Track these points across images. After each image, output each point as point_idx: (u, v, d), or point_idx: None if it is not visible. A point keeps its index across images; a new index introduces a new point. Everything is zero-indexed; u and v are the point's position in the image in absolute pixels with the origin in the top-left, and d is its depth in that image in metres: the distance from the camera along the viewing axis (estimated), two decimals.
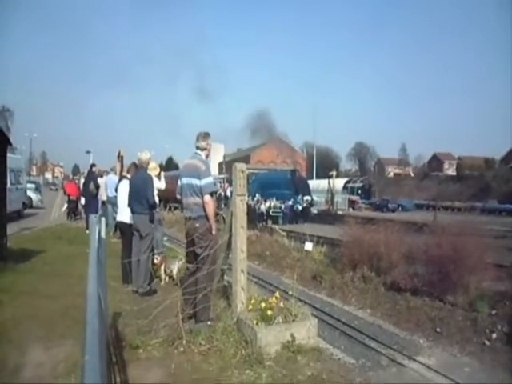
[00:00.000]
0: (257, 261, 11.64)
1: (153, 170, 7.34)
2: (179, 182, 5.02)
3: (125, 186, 6.78)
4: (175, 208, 22.10)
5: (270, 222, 22.33)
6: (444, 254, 7.10)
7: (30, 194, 22.75)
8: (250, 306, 4.60)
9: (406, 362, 5.28)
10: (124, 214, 6.84)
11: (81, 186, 15.61)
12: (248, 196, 21.36)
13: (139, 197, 6.33)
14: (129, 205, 6.49)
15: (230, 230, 4.93)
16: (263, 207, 24.55)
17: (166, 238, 10.03)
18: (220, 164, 63.47)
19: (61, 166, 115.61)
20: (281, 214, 24.42)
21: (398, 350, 5.64)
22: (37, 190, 27.76)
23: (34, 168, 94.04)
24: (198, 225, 4.75)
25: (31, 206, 22.36)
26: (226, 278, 5.74)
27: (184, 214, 5.08)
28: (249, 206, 16.19)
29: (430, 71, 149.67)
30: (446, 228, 7.80)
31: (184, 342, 4.19)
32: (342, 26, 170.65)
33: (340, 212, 33.28)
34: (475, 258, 6.92)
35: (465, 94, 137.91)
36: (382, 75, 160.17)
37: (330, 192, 39.18)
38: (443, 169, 78.56)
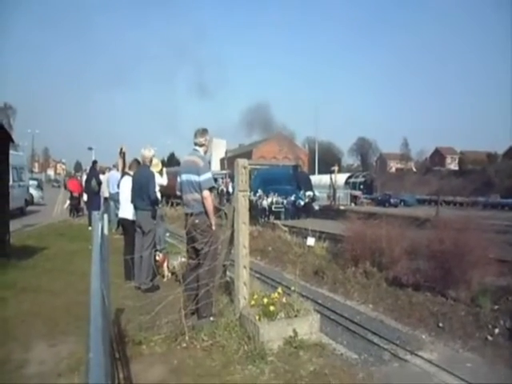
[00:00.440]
0: (259, 256, 11.66)
1: (155, 166, 7.34)
2: (178, 179, 5.04)
3: (127, 183, 6.79)
4: (177, 204, 22.12)
5: (272, 218, 22.34)
6: (446, 249, 7.09)
7: (31, 190, 22.79)
8: (253, 302, 4.60)
9: (409, 357, 5.28)
10: (126, 211, 6.85)
11: (83, 183, 15.62)
12: (250, 191, 21.36)
13: (142, 193, 6.35)
14: (132, 201, 6.50)
15: (233, 226, 4.93)
16: (265, 203, 24.57)
17: (168, 234, 10.03)
18: (222, 160, 63.47)
19: (63, 163, 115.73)
20: (283, 210, 24.45)
21: (400, 345, 5.64)
22: (38, 186, 27.84)
23: (36, 165, 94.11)
24: (197, 221, 4.75)
25: (32, 203, 22.41)
26: (228, 273, 5.75)
27: (184, 211, 5.09)
28: (251, 202, 16.18)
29: (431, 66, 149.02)
30: (448, 223, 7.78)
31: (187, 337, 4.21)
32: (343, 21, 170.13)
33: (342, 207, 33.35)
34: (477, 253, 6.90)
35: (467, 89, 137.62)
36: (383, 70, 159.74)
37: (332, 187, 39.23)
38: (445, 163, 78.43)
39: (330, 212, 27.71)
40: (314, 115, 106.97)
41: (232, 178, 20.64)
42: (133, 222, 6.67)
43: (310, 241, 11.26)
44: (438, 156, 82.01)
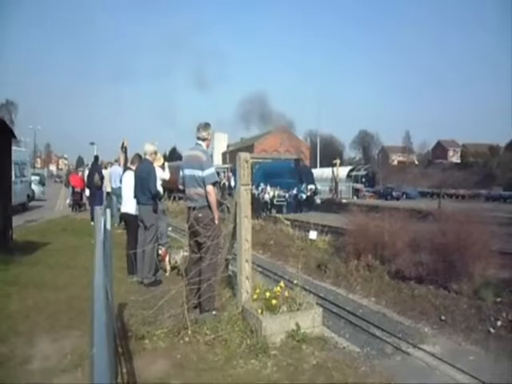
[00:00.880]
0: (261, 250, 11.66)
1: (157, 160, 7.33)
2: (181, 173, 5.03)
3: (129, 177, 6.79)
4: (179, 198, 22.13)
5: (274, 211, 22.32)
6: (448, 241, 7.08)
7: (32, 186, 22.82)
8: (255, 296, 4.61)
9: (411, 351, 5.29)
10: (129, 205, 6.85)
11: (85, 178, 15.65)
12: (252, 185, 21.24)
13: (143, 188, 6.35)
14: (135, 196, 6.51)
15: (235, 220, 4.93)
16: (267, 196, 24.55)
17: (170, 229, 10.05)
18: (224, 153, 63.43)
19: (65, 158, 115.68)
20: (285, 203, 24.44)
21: (402, 339, 5.64)
22: (40, 182, 27.87)
23: (39, 160, 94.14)
24: (200, 215, 4.76)
25: (33, 198, 22.45)
26: (230, 267, 5.76)
27: (187, 204, 5.09)
28: (253, 196, 16.18)
29: (433, 58, 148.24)
30: (451, 216, 7.77)
31: (189, 332, 4.22)
32: (344, 13, 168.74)
33: (344, 200, 33.29)
34: (480, 245, 6.89)
35: (469, 81, 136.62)
36: (385, 63, 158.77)
37: (334, 180, 39.18)
38: (447, 156, 78.19)
39: (332, 205, 27.69)
40: (316, 108, 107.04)
41: (234, 171, 20.60)
42: (135, 216, 6.68)
43: (313, 234, 11.28)
44: (440, 149, 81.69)
